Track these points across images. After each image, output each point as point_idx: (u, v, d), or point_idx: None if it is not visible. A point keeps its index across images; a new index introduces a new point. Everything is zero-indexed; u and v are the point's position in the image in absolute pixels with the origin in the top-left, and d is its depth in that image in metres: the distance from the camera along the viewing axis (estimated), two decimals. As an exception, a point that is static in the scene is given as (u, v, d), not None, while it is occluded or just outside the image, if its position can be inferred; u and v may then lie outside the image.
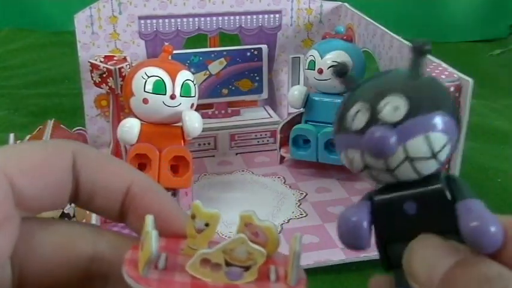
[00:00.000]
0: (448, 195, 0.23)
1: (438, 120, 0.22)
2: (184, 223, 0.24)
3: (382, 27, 0.66)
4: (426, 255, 0.22)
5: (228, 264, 0.22)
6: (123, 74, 0.66)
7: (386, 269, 0.25)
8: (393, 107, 0.22)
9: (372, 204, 0.24)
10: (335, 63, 0.67)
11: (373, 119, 0.23)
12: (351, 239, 0.24)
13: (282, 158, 0.73)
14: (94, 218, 0.53)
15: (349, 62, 0.67)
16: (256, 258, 0.22)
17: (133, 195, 0.24)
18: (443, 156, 0.23)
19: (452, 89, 0.48)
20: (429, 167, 0.23)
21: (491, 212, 0.22)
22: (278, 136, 0.72)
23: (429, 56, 0.55)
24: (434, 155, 0.23)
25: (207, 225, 0.23)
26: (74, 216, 0.51)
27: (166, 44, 0.65)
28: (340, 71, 0.25)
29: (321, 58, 0.67)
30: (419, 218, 0.23)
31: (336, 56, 0.67)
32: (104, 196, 0.25)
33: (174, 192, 0.62)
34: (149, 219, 0.22)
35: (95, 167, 0.25)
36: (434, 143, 0.22)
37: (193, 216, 0.23)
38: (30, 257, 0.24)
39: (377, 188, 0.24)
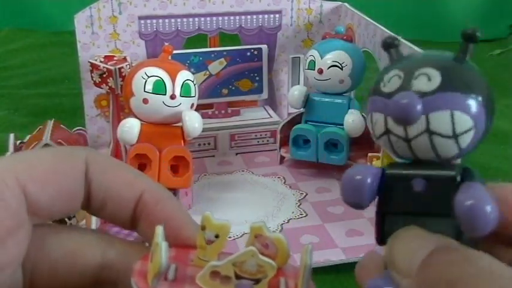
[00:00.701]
0: (457, 180, 0.23)
1: (468, 102, 0.22)
2: (194, 232, 0.24)
3: (382, 27, 0.66)
4: (407, 244, 0.22)
5: (238, 277, 0.22)
6: (123, 74, 0.66)
7: (379, 242, 0.25)
8: (427, 77, 0.23)
9: (383, 174, 0.24)
10: (333, 63, 0.67)
11: (406, 85, 0.23)
12: (353, 197, 0.24)
13: (282, 158, 0.73)
14: (94, 219, 0.53)
15: (350, 62, 0.67)
16: (266, 271, 0.22)
17: (145, 203, 0.24)
18: (464, 140, 0.23)
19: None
20: (447, 148, 0.23)
21: (491, 198, 0.21)
22: (278, 136, 0.72)
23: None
24: (455, 136, 0.22)
25: (217, 236, 0.23)
26: (74, 216, 0.51)
27: (166, 44, 0.65)
28: (390, 43, 0.25)
29: (321, 58, 0.67)
30: (424, 196, 0.23)
31: (336, 56, 0.67)
32: (116, 203, 0.25)
33: (174, 192, 0.62)
34: (159, 230, 0.22)
35: (108, 174, 0.25)
36: (458, 122, 0.22)
37: (203, 228, 0.23)
38: (41, 263, 0.24)
39: (389, 164, 0.24)
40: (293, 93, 0.70)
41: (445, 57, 0.24)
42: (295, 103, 0.70)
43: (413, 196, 0.23)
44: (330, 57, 0.67)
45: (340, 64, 0.67)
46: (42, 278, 0.24)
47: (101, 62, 0.67)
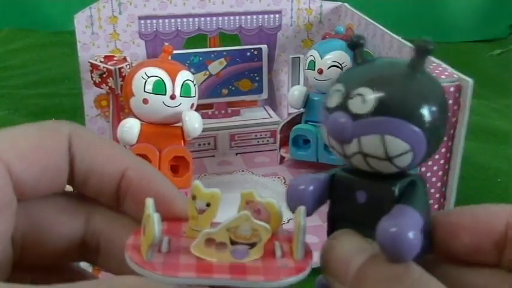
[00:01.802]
0: (396, 197, 0.22)
1: (401, 127, 0.21)
2: (184, 205, 0.24)
3: (382, 27, 0.66)
4: (343, 249, 0.23)
5: (233, 242, 0.22)
6: (123, 74, 0.66)
7: None
8: (362, 99, 0.22)
9: (332, 178, 0.24)
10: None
11: (343, 104, 0.23)
12: (293, 203, 0.24)
13: (282, 158, 0.73)
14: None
15: (350, 62, 0.67)
16: (261, 235, 0.22)
17: (129, 179, 0.24)
18: (402, 162, 0.22)
19: (452, 89, 0.48)
20: (384, 167, 0.22)
21: (417, 226, 0.21)
22: (278, 136, 0.72)
23: (429, 56, 0.55)
24: (389, 158, 0.22)
25: (208, 205, 0.22)
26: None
27: (166, 44, 0.65)
28: (355, 42, 0.24)
29: (321, 58, 0.67)
30: (366, 208, 0.23)
31: (336, 56, 0.67)
32: (99, 179, 0.24)
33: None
34: (149, 202, 0.22)
35: (90, 148, 0.24)
36: (390, 146, 0.22)
37: (193, 197, 0.22)
38: (30, 234, 0.24)
39: (344, 167, 0.24)
40: (293, 93, 0.70)
41: (391, 73, 0.23)
42: (295, 103, 0.70)
43: (357, 206, 0.24)
44: (330, 57, 0.67)
45: (340, 64, 0.67)
46: (31, 248, 0.24)
47: (101, 62, 0.67)
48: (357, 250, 0.22)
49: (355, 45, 0.24)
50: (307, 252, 0.22)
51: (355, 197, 0.24)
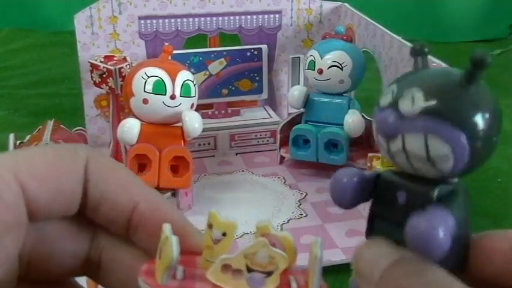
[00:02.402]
0: (434, 200, 0.23)
1: (444, 130, 0.22)
2: (198, 239, 0.23)
3: (382, 27, 0.66)
4: (371, 252, 0.23)
5: (249, 270, 0.21)
6: (123, 74, 0.66)
7: (366, 236, 0.26)
8: (411, 99, 0.23)
9: (377, 177, 0.25)
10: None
11: (393, 103, 0.23)
12: (336, 193, 0.25)
13: (282, 158, 0.73)
14: None
15: (350, 62, 0.67)
16: (278, 263, 0.21)
17: (142, 212, 0.24)
18: (442, 166, 0.22)
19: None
20: (425, 169, 0.23)
21: (450, 226, 0.21)
22: (278, 136, 0.72)
23: (429, 56, 0.55)
24: (429, 159, 0.22)
25: (224, 235, 0.22)
26: None
27: (166, 44, 0.65)
28: (419, 50, 0.24)
29: (321, 58, 0.67)
30: (405, 208, 0.23)
31: (336, 56, 0.67)
32: (111, 207, 0.24)
33: (174, 192, 0.62)
34: (167, 227, 0.22)
35: (106, 175, 0.24)
36: (432, 147, 0.22)
37: (210, 226, 0.22)
38: (37, 252, 0.24)
39: (391, 169, 0.25)
40: (293, 93, 0.70)
41: (444, 79, 0.23)
42: (295, 103, 0.70)
43: (397, 206, 0.24)
44: (330, 58, 0.67)
45: (340, 64, 0.67)
46: (37, 264, 0.24)
47: (101, 62, 0.67)
48: (384, 254, 0.23)
49: (418, 52, 0.25)
50: (322, 286, 0.22)
51: (396, 197, 0.24)
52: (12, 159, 0.23)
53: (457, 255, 0.23)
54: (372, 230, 0.25)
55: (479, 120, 0.22)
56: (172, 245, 0.21)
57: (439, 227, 0.21)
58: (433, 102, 0.22)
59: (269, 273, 0.22)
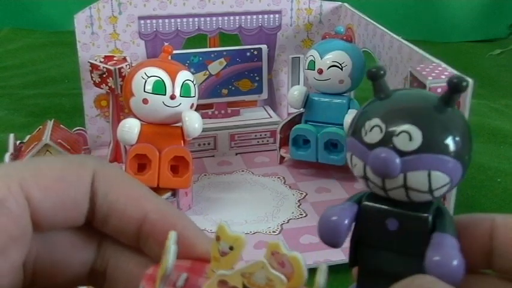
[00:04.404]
0: (430, 225, 0.24)
1: (445, 162, 0.23)
2: (207, 246, 0.23)
3: (382, 27, 0.66)
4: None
5: None
6: (123, 74, 0.66)
7: (351, 265, 0.26)
8: (408, 136, 0.23)
9: (359, 207, 0.25)
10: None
11: (386, 140, 0.23)
12: (329, 237, 0.25)
13: (282, 158, 0.73)
14: None
15: (350, 62, 0.67)
16: (275, 286, 0.21)
17: (152, 222, 0.24)
18: (440, 193, 0.24)
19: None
20: (422, 198, 0.24)
21: (459, 251, 0.23)
22: (278, 136, 0.72)
23: (429, 56, 0.55)
24: (431, 191, 0.23)
25: (231, 248, 0.22)
26: None
27: (166, 44, 0.65)
28: (375, 74, 0.25)
29: (321, 58, 0.67)
30: (397, 235, 0.24)
31: (336, 56, 0.67)
32: (120, 218, 0.24)
33: (173, 192, 0.62)
34: (172, 234, 0.22)
35: (114, 187, 0.24)
36: (434, 181, 0.23)
37: (218, 238, 0.22)
38: (42, 262, 0.24)
39: (368, 193, 0.25)
40: (293, 93, 0.70)
41: (427, 108, 0.24)
42: (295, 103, 0.70)
43: (387, 233, 0.24)
44: (330, 58, 0.67)
45: (340, 64, 0.67)
46: (42, 274, 0.24)
47: (100, 62, 0.67)
48: None
49: (375, 76, 0.25)
50: None
51: (385, 225, 0.24)
52: (19, 170, 0.23)
53: None
54: (356, 259, 0.25)
55: (466, 145, 0.24)
56: (169, 254, 0.21)
57: (455, 257, 0.22)
58: (429, 137, 0.23)
59: None
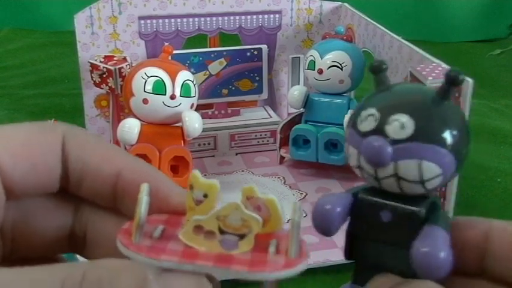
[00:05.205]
0: (423, 219, 0.24)
1: (437, 152, 0.23)
2: (181, 198, 0.23)
3: (382, 27, 0.66)
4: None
5: (222, 231, 0.21)
6: (123, 74, 0.66)
7: (347, 257, 0.26)
8: (400, 125, 0.23)
9: (355, 199, 0.25)
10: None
11: (379, 129, 0.23)
12: (321, 224, 0.25)
13: (282, 158, 0.73)
14: None
15: (350, 62, 0.67)
16: (251, 226, 0.21)
17: (126, 180, 0.24)
18: (432, 185, 0.23)
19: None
20: (414, 189, 0.24)
21: (447, 244, 0.22)
22: (278, 136, 0.72)
23: (429, 56, 0.55)
24: (422, 182, 0.23)
25: (205, 196, 0.22)
26: None
27: (166, 44, 0.65)
28: (377, 67, 0.25)
29: (321, 58, 0.67)
30: (390, 227, 0.24)
31: (336, 56, 0.67)
32: (93, 180, 0.24)
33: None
34: (144, 187, 0.22)
35: (85, 149, 0.24)
36: (425, 171, 0.23)
37: (191, 187, 0.22)
38: (20, 225, 0.24)
39: (365, 187, 0.25)
40: (293, 93, 0.70)
41: (424, 99, 0.24)
42: (295, 103, 0.70)
43: (381, 225, 0.24)
44: (330, 58, 0.67)
45: (340, 64, 0.67)
46: (21, 240, 0.24)
47: (100, 62, 0.67)
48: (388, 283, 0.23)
49: (377, 69, 0.25)
50: (302, 252, 0.22)
51: (379, 217, 0.24)
52: None
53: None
54: (352, 250, 0.25)
55: (460, 137, 0.24)
56: (141, 204, 0.21)
57: (443, 249, 0.22)
58: (421, 126, 0.23)
59: (242, 236, 0.21)
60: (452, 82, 0.23)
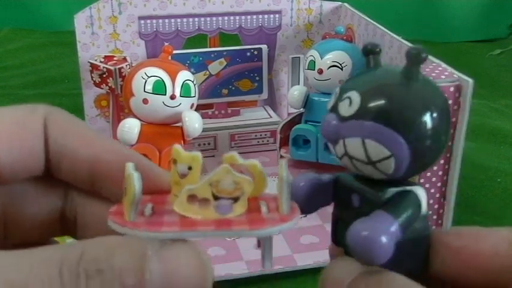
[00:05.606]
0: (380, 203, 0.23)
1: (379, 132, 0.22)
2: (164, 177, 0.23)
3: (382, 27, 0.66)
4: (336, 271, 0.23)
5: (216, 198, 0.21)
6: (123, 74, 0.66)
7: (333, 240, 0.26)
8: (349, 101, 0.23)
9: (335, 180, 0.25)
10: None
11: (335, 106, 0.23)
12: (296, 199, 0.24)
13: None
14: None
15: (350, 62, 0.67)
16: (243, 188, 0.21)
17: (107, 162, 0.24)
18: (384, 168, 0.22)
19: (452, 89, 0.48)
20: (372, 172, 0.23)
21: (390, 233, 0.21)
22: (278, 136, 0.72)
23: (429, 56, 0.55)
24: (372, 163, 0.22)
25: (190, 168, 0.22)
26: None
27: (166, 44, 0.65)
28: (369, 49, 0.24)
29: (321, 58, 0.67)
30: (358, 212, 0.23)
31: (336, 56, 0.67)
32: (71, 163, 0.24)
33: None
34: (130, 165, 0.22)
35: (64, 131, 0.24)
36: (371, 150, 0.22)
37: (174, 161, 0.22)
38: (10, 209, 0.24)
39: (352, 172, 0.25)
40: (293, 94, 0.70)
41: (383, 80, 0.23)
42: (295, 103, 0.70)
43: (352, 210, 0.24)
44: (330, 58, 0.67)
45: (340, 64, 0.67)
46: (13, 224, 0.24)
47: (100, 62, 0.67)
48: (349, 270, 0.22)
49: (369, 51, 0.24)
50: (294, 208, 0.22)
51: (351, 200, 0.24)
52: None
53: (414, 257, 0.23)
54: (336, 234, 0.25)
55: (419, 120, 0.22)
56: (133, 180, 0.21)
57: (381, 234, 0.21)
58: (367, 104, 0.22)
59: (236, 199, 0.21)
60: (414, 61, 0.22)
